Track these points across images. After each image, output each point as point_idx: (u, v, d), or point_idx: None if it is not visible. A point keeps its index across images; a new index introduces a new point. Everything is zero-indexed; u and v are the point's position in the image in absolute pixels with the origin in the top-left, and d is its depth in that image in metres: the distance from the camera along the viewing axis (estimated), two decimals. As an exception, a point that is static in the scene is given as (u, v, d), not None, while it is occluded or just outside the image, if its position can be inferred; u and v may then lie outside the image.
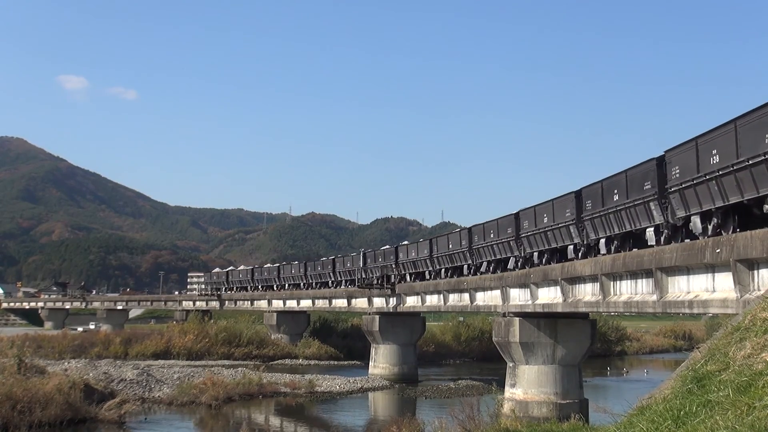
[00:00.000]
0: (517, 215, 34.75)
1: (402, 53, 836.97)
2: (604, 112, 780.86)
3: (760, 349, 10.00)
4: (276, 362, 69.01)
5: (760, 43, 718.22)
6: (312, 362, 70.09)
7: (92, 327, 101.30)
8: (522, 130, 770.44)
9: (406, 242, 56.33)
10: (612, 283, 26.00)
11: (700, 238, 20.28)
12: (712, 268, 19.90)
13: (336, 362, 71.23)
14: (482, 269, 39.82)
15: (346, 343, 76.73)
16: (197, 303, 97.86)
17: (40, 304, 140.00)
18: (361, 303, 61.34)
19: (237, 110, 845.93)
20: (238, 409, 41.01)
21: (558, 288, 30.18)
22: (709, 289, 20.19)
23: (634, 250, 24.77)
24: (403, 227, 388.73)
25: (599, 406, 22.88)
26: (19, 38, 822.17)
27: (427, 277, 48.69)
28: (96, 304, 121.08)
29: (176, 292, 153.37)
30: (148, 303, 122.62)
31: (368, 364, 58.47)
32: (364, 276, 58.03)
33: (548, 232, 31.15)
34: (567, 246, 29.96)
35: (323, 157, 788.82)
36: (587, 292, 28.27)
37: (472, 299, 40.49)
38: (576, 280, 28.90)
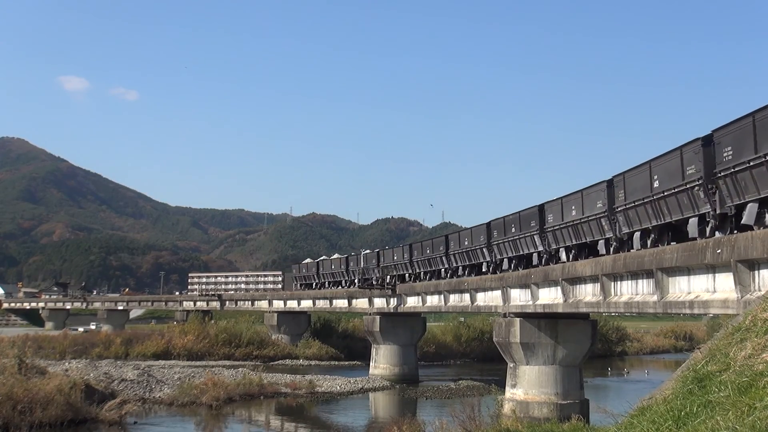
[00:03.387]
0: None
1: (403, 54, 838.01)
2: (605, 112, 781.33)
3: (761, 349, 9.99)
4: (276, 363, 69.05)
5: (761, 44, 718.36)
6: (312, 363, 70.12)
7: (93, 327, 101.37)
8: (522, 131, 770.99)
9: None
10: (612, 283, 25.96)
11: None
12: (712, 268, 19.87)
13: (336, 363, 71.24)
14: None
15: (347, 344, 76.75)
16: (198, 303, 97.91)
17: (41, 304, 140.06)
18: (361, 303, 61.35)
19: (238, 111, 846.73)
20: (239, 410, 41.01)
21: (559, 288, 30.15)
22: (709, 289, 20.17)
23: (633, 251, 24.73)
24: (404, 228, 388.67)
25: (600, 406, 22.88)
26: (20, 39, 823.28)
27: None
28: (97, 305, 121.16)
29: (177, 293, 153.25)
30: (149, 303, 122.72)
31: (369, 364, 58.48)
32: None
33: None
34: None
35: (324, 157, 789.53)
36: (588, 293, 28.24)
37: (472, 300, 40.46)
38: (576, 280, 28.86)
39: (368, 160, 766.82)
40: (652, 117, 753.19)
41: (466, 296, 41.31)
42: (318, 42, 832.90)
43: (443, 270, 46.82)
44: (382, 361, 56.77)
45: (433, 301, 47.38)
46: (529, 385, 33.71)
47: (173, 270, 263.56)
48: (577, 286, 29.05)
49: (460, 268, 43.97)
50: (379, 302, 57.17)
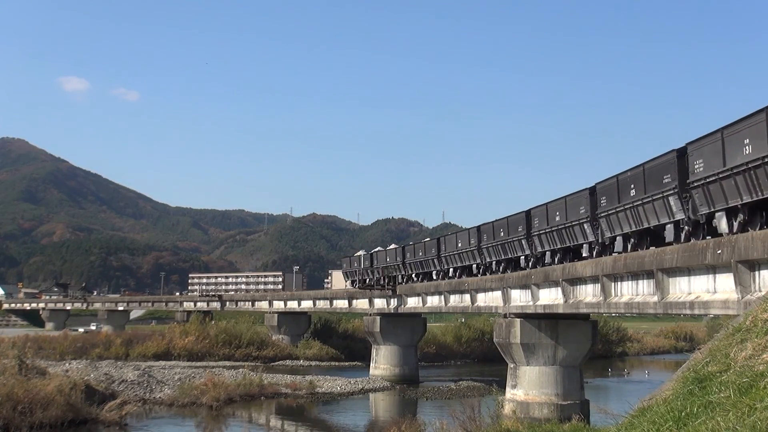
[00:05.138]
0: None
1: (403, 54, 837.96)
2: (604, 112, 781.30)
3: (762, 350, 9.99)
4: (277, 363, 69.06)
5: (761, 44, 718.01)
6: (313, 363, 70.12)
7: (93, 328, 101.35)
8: (523, 132, 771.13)
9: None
10: (613, 284, 25.97)
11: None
12: (713, 269, 19.88)
13: (337, 363, 71.23)
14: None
15: (347, 344, 76.74)
16: (198, 304, 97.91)
17: (41, 305, 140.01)
18: (362, 304, 61.36)
19: (238, 111, 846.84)
20: (239, 410, 41.02)
21: (559, 289, 30.14)
22: (710, 290, 20.17)
23: (635, 251, 24.76)
24: (404, 228, 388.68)
25: (600, 407, 22.92)
26: (20, 40, 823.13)
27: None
28: (97, 305, 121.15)
29: (177, 293, 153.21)
30: (149, 304, 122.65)
31: (369, 365, 58.47)
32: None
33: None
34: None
35: (324, 158, 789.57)
36: (588, 293, 28.24)
37: (473, 300, 40.47)
38: (577, 281, 28.87)
39: (368, 161, 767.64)
40: (652, 117, 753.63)
41: (467, 297, 41.31)
42: (318, 42, 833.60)
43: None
44: (383, 362, 56.76)
45: (433, 301, 47.40)
46: (529, 386, 33.70)
47: (174, 270, 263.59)
48: (578, 286, 29.05)
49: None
50: (380, 303, 57.17)
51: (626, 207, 24.53)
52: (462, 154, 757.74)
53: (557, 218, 30.58)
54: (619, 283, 25.63)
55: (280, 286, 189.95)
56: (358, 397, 47.61)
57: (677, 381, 11.25)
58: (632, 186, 24.26)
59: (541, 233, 32.31)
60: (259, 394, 44.34)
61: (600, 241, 27.45)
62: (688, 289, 21.21)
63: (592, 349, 35.49)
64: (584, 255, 28.80)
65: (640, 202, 23.52)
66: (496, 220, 38.22)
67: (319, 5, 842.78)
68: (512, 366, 34.96)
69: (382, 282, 54.76)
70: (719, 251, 18.80)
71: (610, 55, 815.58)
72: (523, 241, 34.38)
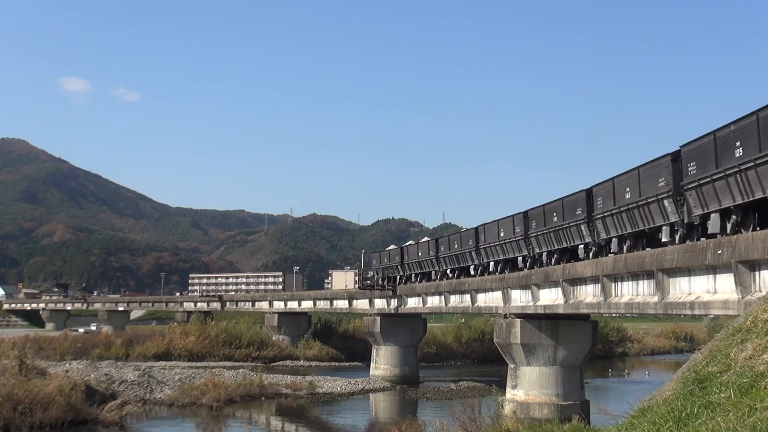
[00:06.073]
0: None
1: (403, 54, 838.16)
2: (604, 112, 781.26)
3: (762, 350, 9.98)
4: (277, 363, 69.06)
5: (761, 44, 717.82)
6: (313, 363, 70.09)
7: (93, 328, 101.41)
8: (523, 132, 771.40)
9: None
10: (613, 284, 25.98)
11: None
12: (713, 269, 19.88)
13: (337, 363, 71.21)
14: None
15: (347, 345, 76.70)
16: (198, 304, 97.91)
17: (42, 305, 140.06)
18: (362, 304, 61.35)
19: (238, 112, 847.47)
20: (240, 411, 41.01)
21: (559, 289, 30.15)
22: (710, 290, 20.17)
23: (635, 251, 24.76)
24: (405, 228, 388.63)
25: (600, 407, 22.88)
26: (21, 40, 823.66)
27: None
28: (97, 306, 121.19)
29: (177, 294, 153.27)
30: (150, 304, 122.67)
31: (369, 365, 58.46)
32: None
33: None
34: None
35: (324, 158, 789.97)
36: (588, 294, 28.24)
37: (473, 300, 40.47)
38: (577, 281, 28.87)
39: (369, 161, 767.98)
40: (652, 117, 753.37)
41: (467, 297, 41.31)
42: (318, 42, 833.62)
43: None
44: (383, 362, 56.74)
45: (433, 301, 47.39)
46: (529, 386, 33.71)
47: (174, 271, 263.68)
48: (578, 287, 29.06)
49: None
50: (380, 303, 57.15)
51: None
52: (462, 154, 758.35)
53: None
54: (619, 283, 25.64)
55: (280, 287, 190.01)
56: (358, 398, 47.59)
57: (677, 381, 11.25)
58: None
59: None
60: (259, 394, 44.33)
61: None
62: (689, 289, 21.21)
63: (592, 349, 35.50)
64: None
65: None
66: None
67: (319, 5, 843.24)
68: (512, 366, 34.96)
69: (381, 282, 54.76)
70: (719, 251, 18.81)
71: (610, 55, 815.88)
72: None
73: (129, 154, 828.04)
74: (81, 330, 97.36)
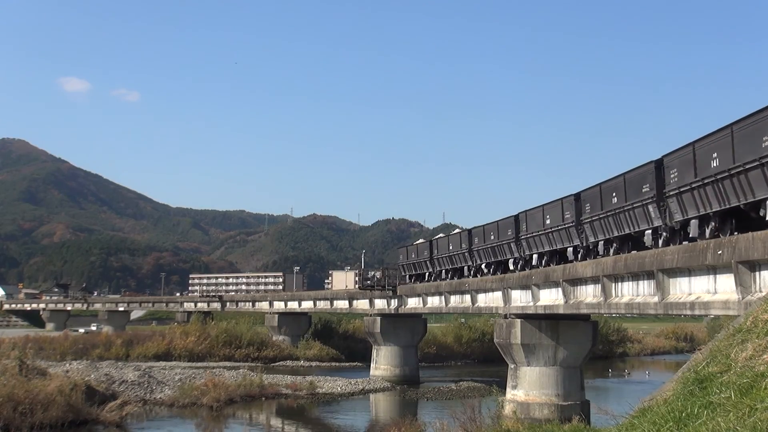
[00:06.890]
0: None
1: (403, 54, 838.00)
2: (604, 113, 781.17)
3: (762, 350, 9.99)
4: (277, 364, 69.06)
5: (761, 43, 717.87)
6: (313, 364, 70.11)
7: (93, 328, 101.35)
8: (523, 132, 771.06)
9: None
10: (613, 284, 26.01)
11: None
12: (713, 269, 19.91)
13: (337, 364, 71.23)
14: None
15: (348, 345, 76.71)
16: (198, 304, 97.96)
17: (42, 305, 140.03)
18: (362, 304, 61.36)
19: (239, 112, 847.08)
20: (240, 411, 41.01)
21: (559, 289, 30.17)
22: (710, 290, 20.19)
23: (635, 251, 24.81)
24: (405, 229, 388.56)
25: (601, 407, 22.84)
26: (21, 40, 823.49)
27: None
28: (97, 306, 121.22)
29: (178, 294, 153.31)
30: (150, 304, 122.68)
31: (370, 365, 58.47)
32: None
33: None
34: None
35: (325, 158, 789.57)
36: (589, 294, 28.27)
37: (473, 301, 40.49)
38: (577, 281, 28.89)
39: (369, 161, 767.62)
40: (652, 117, 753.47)
41: (467, 297, 41.33)
42: (318, 42, 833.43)
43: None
44: (383, 363, 56.75)
45: (434, 302, 47.40)
46: (529, 386, 33.72)
47: (174, 271, 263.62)
48: (578, 287, 29.08)
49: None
50: (380, 303, 57.17)
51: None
52: (462, 154, 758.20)
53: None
54: (619, 283, 25.67)
55: (280, 287, 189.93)
56: (358, 398, 47.61)
57: (678, 381, 11.25)
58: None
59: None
60: (259, 394, 44.34)
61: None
62: (689, 289, 21.23)
63: (592, 349, 35.53)
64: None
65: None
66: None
67: (319, 5, 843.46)
68: (513, 366, 34.98)
69: (383, 283, 54.74)
70: (720, 252, 18.84)
71: (610, 55, 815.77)
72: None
73: (129, 154, 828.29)
74: (81, 330, 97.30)
